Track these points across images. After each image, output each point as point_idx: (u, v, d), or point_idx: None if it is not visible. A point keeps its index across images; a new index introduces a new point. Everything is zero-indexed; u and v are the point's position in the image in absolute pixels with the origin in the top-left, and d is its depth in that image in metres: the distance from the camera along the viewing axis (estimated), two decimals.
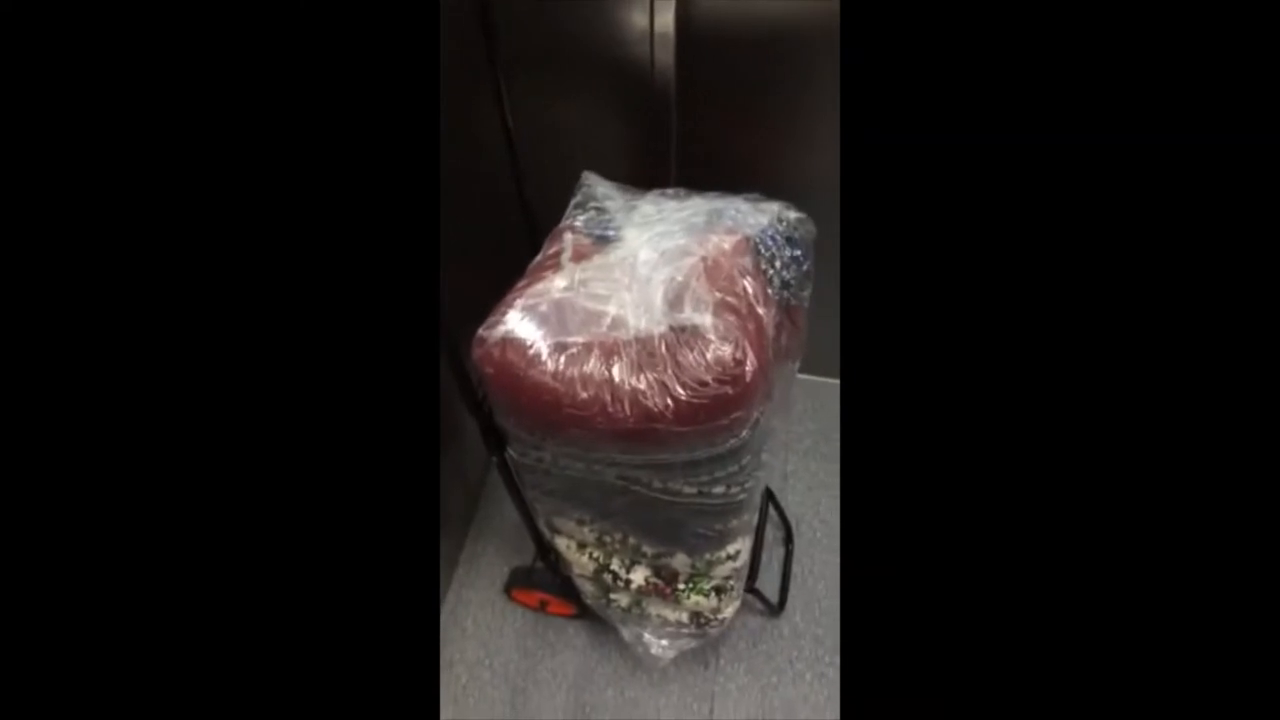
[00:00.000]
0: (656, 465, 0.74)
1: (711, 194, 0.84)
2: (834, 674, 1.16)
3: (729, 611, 1.01)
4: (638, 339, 0.68)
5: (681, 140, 1.09)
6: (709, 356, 0.65)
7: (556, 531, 0.96)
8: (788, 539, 1.32)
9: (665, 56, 0.99)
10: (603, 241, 0.78)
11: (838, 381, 1.56)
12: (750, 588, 1.13)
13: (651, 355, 0.67)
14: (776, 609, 1.23)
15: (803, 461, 1.45)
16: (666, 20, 0.95)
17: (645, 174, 1.14)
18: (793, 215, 0.83)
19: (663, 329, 0.68)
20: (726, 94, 1.07)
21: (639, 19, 0.96)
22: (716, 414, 0.67)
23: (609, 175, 0.89)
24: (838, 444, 1.48)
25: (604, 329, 0.70)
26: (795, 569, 1.28)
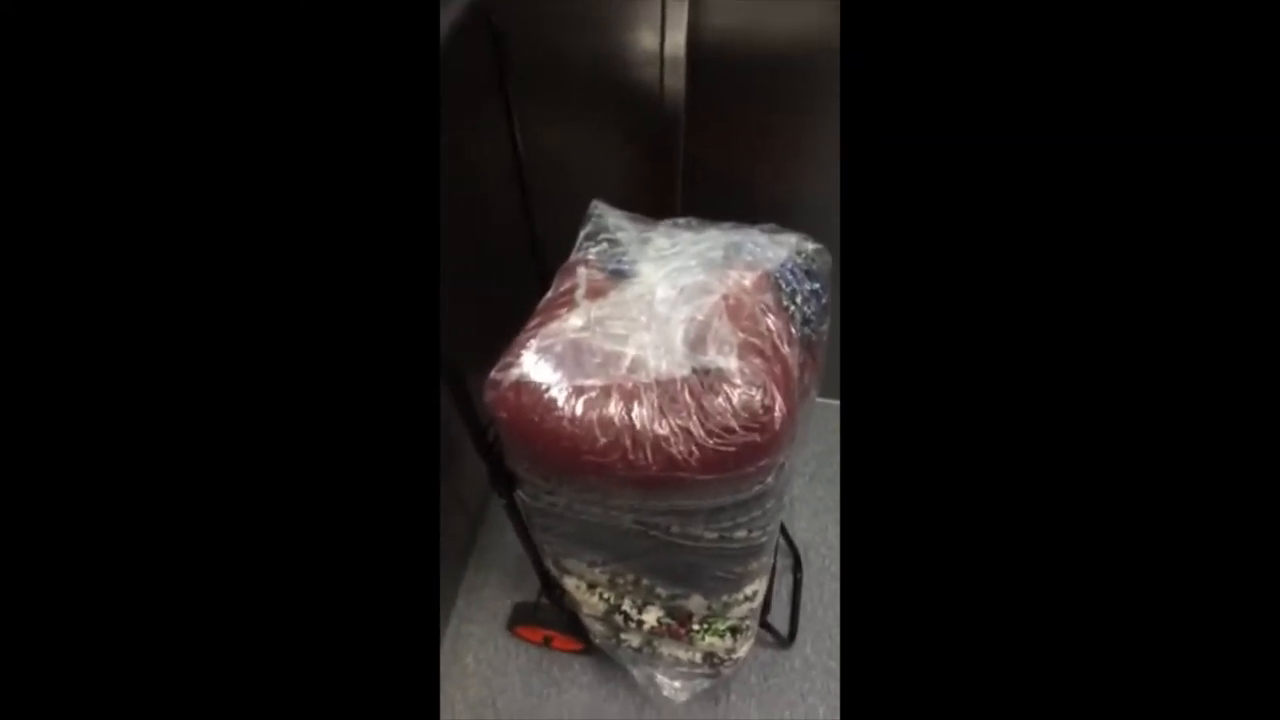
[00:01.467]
0: (678, 511, 0.71)
1: (726, 225, 0.82)
2: None
3: (743, 650, 0.99)
4: (659, 382, 0.65)
5: (689, 165, 1.06)
6: (735, 402, 0.63)
7: (565, 571, 0.93)
8: (796, 567, 1.29)
9: (675, 81, 0.96)
10: (618, 276, 0.75)
11: (839, 403, 1.54)
12: (762, 622, 1.10)
13: (674, 400, 0.64)
14: (787, 641, 1.20)
15: (808, 486, 1.43)
16: (678, 42, 0.92)
17: (650, 199, 1.12)
18: (810, 246, 0.81)
19: (685, 372, 0.65)
20: (736, 119, 1.04)
21: (649, 41, 0.94)
22: (743, 462, 0.64)
23: (612, 200, 0.86)
24: None
25: (623, 371, 0.66)
26: (804, 598, 1.26)
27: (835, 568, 1.30)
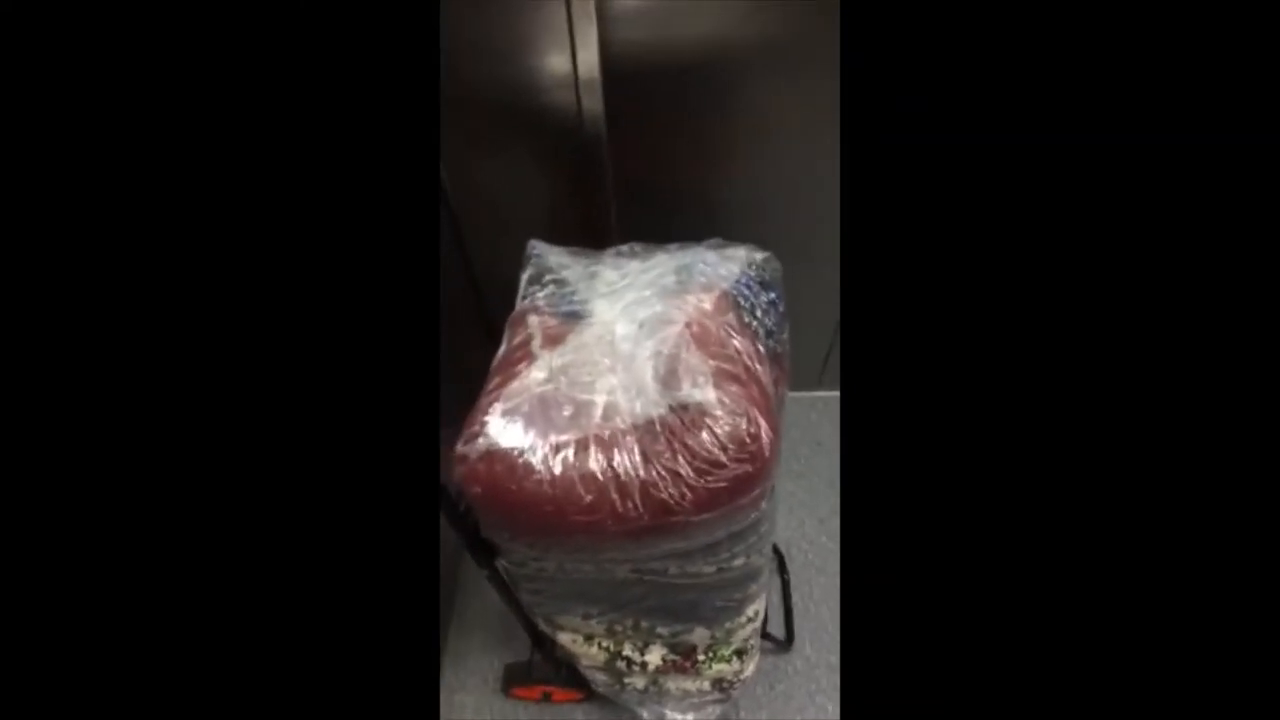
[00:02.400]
0: (674, 554, 0.68)
1: (672, 247, 0.79)
2: None
3: (751, 668, 0.96)
4: (636, 426, 0.62)
5: (619, 186, 1.03)
6: (720, 435, 0.60)
7: (559, 628, 0.88)
8: (781, 569, 1.28)
9: (592, 102, 0.93)
10: (572, 319, 0.72)
11: (795, 394, 1.55)
12: (761, 633, 1.09)
13: (656, 442, 0.61)
14: (786, 644, 1.19)
15: (779, 483, 1.42)
16: (590, 62, 0.89)
17: (585, 227, 1.08)
18: (759, 256, 0.79)
19: (662, 411, 0.62)
20: (658, 132, 1.02)
21: (560, 64, 0.90)
22: (736, 495, 0.61)
23: (545, 233, 0.83)
24: (807, 460, 1.47)
25: (597, 420, 0.63)
26: (795, 598, 1.25)
27: (819, 562, 1.30)
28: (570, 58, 0.88)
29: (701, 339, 0.66)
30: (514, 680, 1.12)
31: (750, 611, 0.85)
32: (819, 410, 1.54)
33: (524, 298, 0.76)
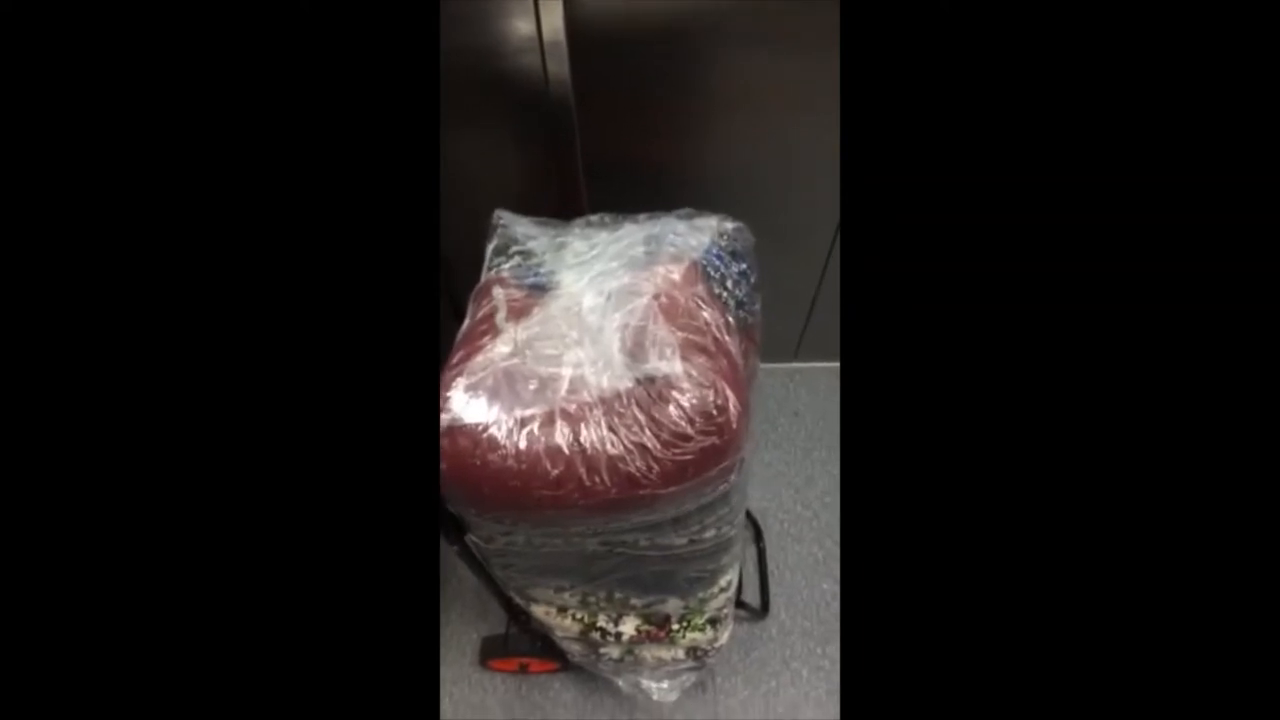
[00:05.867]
0: (643, 526, 0.68)
1: (641, 217, 0.78)
2: (829, 665, 1.16)
3: (725, 637, 0.98)
4: (603, 400, 0.61)
5: (587, 155, 1.00)
6: (687, 407, 0.59)
7: (533, 600, 0.88)
8: (757, 537, 1.30)
9: (559, 67, 0.90)
10: (538, 291, 0.70)
11: (772, 365, 1.55)
12: (737, 602, 1.10)
13: (623, 416, 0.60)
14: (761, 612, 1.21)
15: (756, 453, 1.43)
16: (555, 26, 0.86)
17: (554, 198, 1.06)
18: (730, 226, 0.78)
19: (629, 384, 0.61)
20: (627, 99, 0.99)
21: (524, 28, 0.87)
22: (704, 468, 0.61)
23: (513, 205, 0.80)
24: (786, 431, 1.47)
25: (563, 394, 0.62)
26: (770, 566, 1.27)
27: (795, 531, 1.32)
28: (534, 21, 0.85)
29: (670, 311, 0.65)
30: (491, 653, 1.12)
31: (723, 582, 0.85)
32: (796, 381, 1.54)
33: (489, 269, 0.74)
